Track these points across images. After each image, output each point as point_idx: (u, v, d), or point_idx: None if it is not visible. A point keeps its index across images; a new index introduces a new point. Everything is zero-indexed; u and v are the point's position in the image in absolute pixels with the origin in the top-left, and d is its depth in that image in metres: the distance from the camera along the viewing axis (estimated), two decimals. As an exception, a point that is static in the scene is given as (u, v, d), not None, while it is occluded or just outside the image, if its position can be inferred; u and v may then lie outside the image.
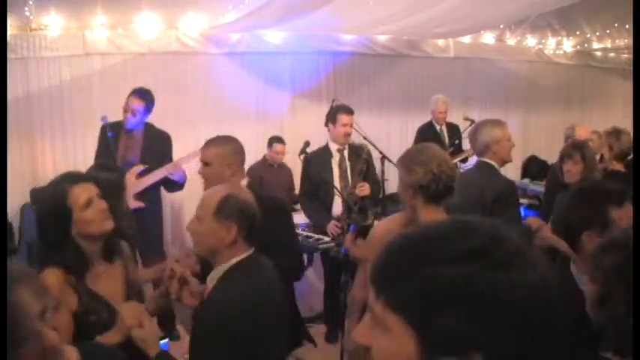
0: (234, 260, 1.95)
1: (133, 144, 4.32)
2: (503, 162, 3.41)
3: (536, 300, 0.74)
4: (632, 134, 4.63)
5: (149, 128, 4.37)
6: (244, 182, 2.69)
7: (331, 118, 4.35)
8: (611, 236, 1.64)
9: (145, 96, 4.27)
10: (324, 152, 4.36)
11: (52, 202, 1.96)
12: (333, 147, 4.36)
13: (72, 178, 2.01)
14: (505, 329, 0.72)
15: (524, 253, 0.76)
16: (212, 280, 1.98)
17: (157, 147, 4.36)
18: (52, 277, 1.86)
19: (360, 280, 2.53)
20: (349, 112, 4.34)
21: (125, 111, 4.23)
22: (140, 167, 4.21)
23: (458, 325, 0.72)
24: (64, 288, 1.88)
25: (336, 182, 4.26)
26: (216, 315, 1.84)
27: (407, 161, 2.31)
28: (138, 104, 4.23)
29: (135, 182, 4.14)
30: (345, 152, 4.36)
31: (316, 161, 4.26)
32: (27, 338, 1.15)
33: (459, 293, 0.72)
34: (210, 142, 2.75)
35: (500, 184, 3.34)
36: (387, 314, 0.77)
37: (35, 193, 5.00)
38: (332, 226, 4.19)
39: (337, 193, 4.19)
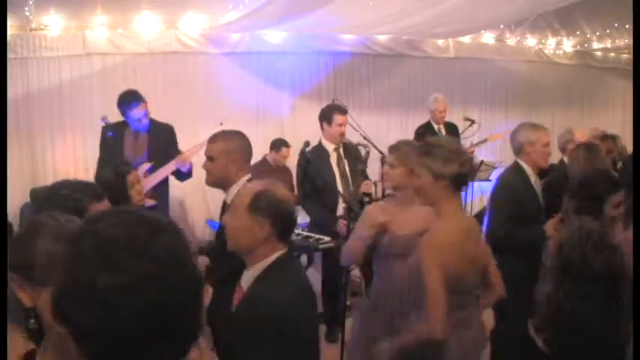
0: (270, 259, 1.95)
1: (140, 143, 4.35)
2: (538, 167, 3.41)
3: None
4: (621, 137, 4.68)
5: (153, 124, 4.41)
6: (245, 179, 2.65)
7: (326, 118, 4.34)
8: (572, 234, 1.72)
9: (141, 97, 4.29)
10: (321, 152, 4.35)
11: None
12: (329, 146, 4.36)
13: (92, 195, 1.99)
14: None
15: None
16: (247, 281, 1.97)
17: (163, 141, 4.40)
18: None
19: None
20: (343, 111, 4.35)
21: (140, 120, 4.26)
22: (147, 165, 4.24)
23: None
24: None
25: (337, 181, 4.27)
26: (263, 314, 1.83)
27: (444, 152, 2.30)
28: (145, 107, 4.27)
29: (144, 181, 4.17)
30: (341, 151, 4.37)
31: (315, 161, 4.25)
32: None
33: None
34: (216, 137, 2.73)
35: (498, 185, 3.47)
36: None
37: (36, 194, 5.00)
38: (341, 225, 4.16)
39: (341, 193, 4.20)
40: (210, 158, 2.68)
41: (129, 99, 4.24)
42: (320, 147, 4.38)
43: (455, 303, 2.29)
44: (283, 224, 1.97)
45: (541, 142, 3.35)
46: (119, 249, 0.81)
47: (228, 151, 2.64)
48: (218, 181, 2.69)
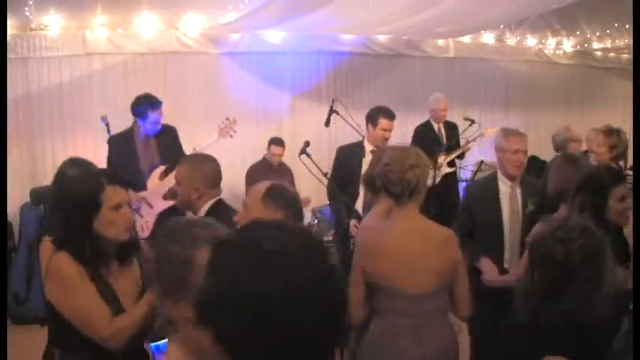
0: None
1: (152, 147, 4.36)
2: (508, 175, 3.20)
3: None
4: (627, 133, 4.60)
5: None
6: (211, 203, 2.59)
7: (371, 120, 4.30)
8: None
9: (159, 102, 4.29)
10: (359, 149, 4.32)
11: (85, 192, 1.94)
12: (368, 147, 4.31)
13: (110, 177, 2.00)
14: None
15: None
16: None
17: (171, 143, 4.42)
18: (65, 260, 1.92)
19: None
20: (391, 117, 4.29)
21: (157, 123, 4.26)
22: (162, 168, 4.25)
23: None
24: (81, 273, 1.92)
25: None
26: None
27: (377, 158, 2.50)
28: (161, 112, 4.29)
29: (159, 183, 4.18)
30: None
31: (347, 155, 4.28)
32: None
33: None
34: (184, 161, 2.76)
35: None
36: None
37: (35, 194, 5.00)
38: (352, 225, 4.11)
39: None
40: (177, 182, 2.68)
41: (152, 101, 4.23)
42: (359, 144, 4.36)
43: (393, 308, 2.23)
44: (296, 213, 2.16)
45: (510, 149, 3.13)
46: (277, 260, 0.85)
47: (192, 177, 2.60)
48: (184, 204, 2.68)
